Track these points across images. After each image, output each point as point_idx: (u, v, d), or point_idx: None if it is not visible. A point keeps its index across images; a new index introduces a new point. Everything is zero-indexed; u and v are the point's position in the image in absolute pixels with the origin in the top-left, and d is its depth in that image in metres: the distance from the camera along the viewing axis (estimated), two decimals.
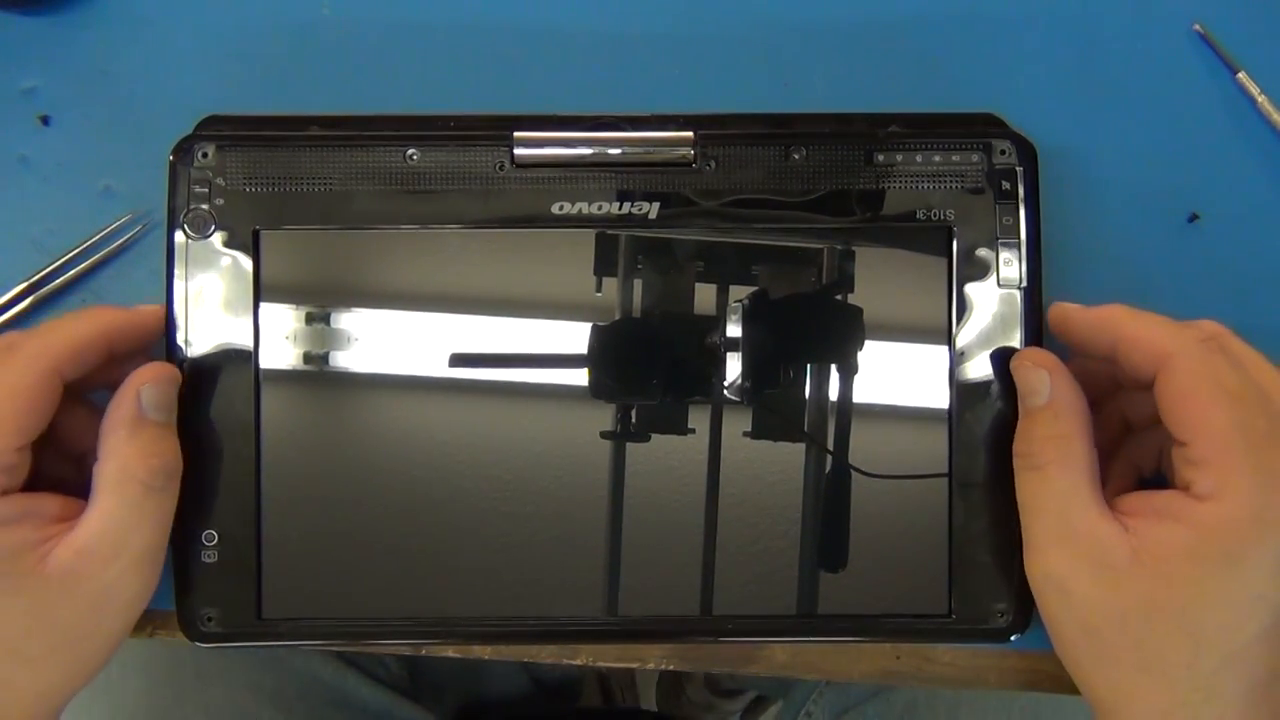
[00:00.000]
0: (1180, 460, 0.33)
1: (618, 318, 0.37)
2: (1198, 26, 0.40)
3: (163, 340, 0.36)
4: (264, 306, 0.36)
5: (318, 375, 0.37)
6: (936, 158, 0.37)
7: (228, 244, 0.36)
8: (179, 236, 0.36)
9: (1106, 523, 0.33)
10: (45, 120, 0.40)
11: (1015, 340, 0.37)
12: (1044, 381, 0.34)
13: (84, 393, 0.36)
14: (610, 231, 0.37)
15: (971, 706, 0.52)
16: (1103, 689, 0.33)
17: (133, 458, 0.33)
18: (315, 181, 0.36)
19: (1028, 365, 0.35)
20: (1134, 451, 0.37)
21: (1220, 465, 0.31)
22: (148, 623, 0.38)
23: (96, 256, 0.39)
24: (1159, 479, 0.36)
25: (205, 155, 0.36)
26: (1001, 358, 0.37)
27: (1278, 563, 0.31)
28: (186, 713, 0.50)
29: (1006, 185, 0.37)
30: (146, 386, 0.34)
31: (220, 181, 0.36)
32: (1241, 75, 0.39)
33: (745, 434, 0.37)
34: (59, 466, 0.36)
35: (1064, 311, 0.36)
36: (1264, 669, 0.32)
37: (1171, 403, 0.32)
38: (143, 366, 0.35)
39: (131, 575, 0.34)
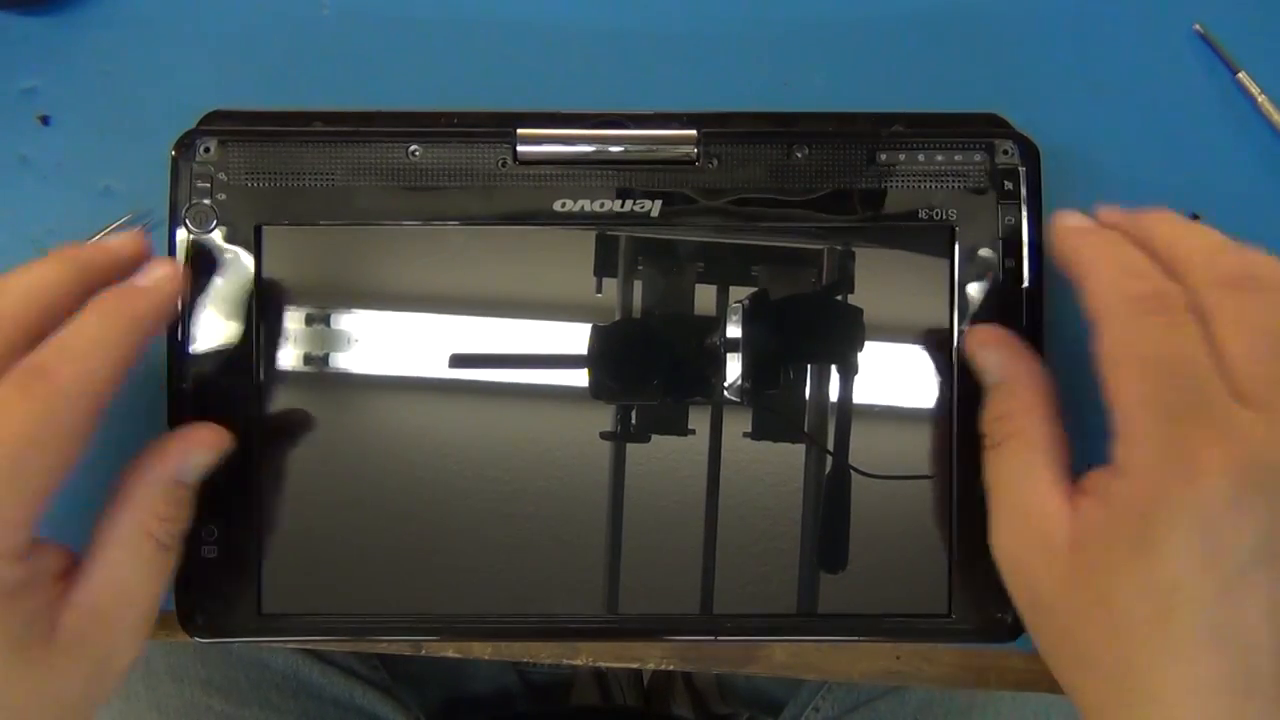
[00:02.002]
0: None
1: (618, 318, 0.37)
2: (1198, 26, 0.40)
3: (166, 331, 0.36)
4: (264, 304, 0.36)
5: (317, 375, 0.37)
6: (939, 157, 0.37)
7: (229, 239, 0.36)
8: (180, 231, 0.36)
9: (1054, 502, 0.30)
10: (45, 120, 0.40)
11: None
12: (991, 360, 0.34)
13: None
14: (612, 230, 0.37)
15: (984, 710, 0.52)
16: (1058, 676, 0.31)
17: (153, 517, 0.31)
18: (317, 177, 0.36)
19: (974, 344, 0.34)
20: None
21: (1127, 437, 0.29)
22: None
23: None
24: None
25: (207, 150, 0.36)
26: None
27: (1191, 550, 0.27)
28: (139, 711, 0.50)
29: (1009, 185, 0.37)
30: (198, 451, 0.33)
31: (222, 176, 0.36)
32: (1241, 75, 0.39)
33: (745, 435, 0.37)
34: None
35: (1058, 219, 0.34)
36: (1209, 670, 0.27)
37: (1099, 367, 0.30)
38: (200, 427, 0.34)
39: (134, 635, 0.32)
